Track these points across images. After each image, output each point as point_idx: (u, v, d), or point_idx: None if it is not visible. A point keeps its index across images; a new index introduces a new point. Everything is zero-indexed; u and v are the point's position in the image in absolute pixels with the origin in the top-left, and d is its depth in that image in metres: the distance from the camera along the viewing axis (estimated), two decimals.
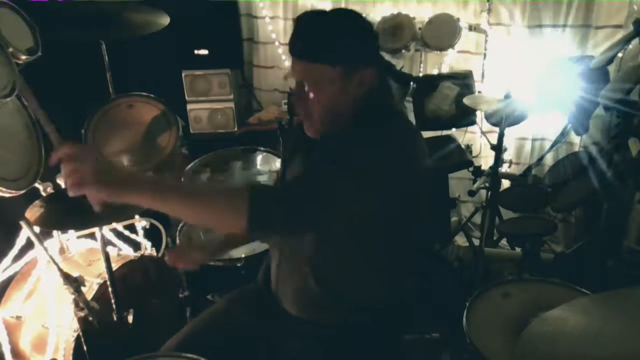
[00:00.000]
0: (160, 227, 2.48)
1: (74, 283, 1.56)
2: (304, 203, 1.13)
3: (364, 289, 1.39)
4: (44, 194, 1.89)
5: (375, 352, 1.42)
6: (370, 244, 1.34)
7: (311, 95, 1.28)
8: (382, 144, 1.22)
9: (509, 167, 3.28)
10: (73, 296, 1.58)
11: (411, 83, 3.17)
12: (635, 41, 2.09)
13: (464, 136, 3.28)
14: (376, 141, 1.22)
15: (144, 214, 2.33)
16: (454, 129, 3.23)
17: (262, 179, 2.55)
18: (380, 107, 1.34)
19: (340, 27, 1.28)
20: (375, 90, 1.33)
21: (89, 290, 1.89)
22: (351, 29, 1.29)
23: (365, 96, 1.31)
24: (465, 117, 3.05)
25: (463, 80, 3.06)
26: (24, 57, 1.77)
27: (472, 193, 2.78)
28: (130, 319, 1.91)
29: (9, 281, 1.98)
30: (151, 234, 2.44)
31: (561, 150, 3.03)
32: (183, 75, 3.27)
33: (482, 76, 3.27)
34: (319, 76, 1.26)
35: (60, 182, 2.08)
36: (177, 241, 2.23)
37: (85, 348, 1.70)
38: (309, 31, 1.27)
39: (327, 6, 3.47)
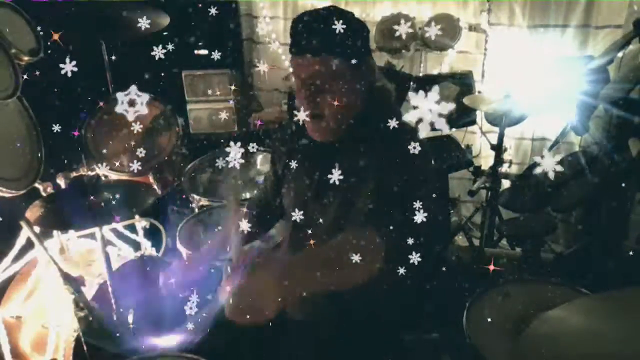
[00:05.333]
0: (161, 227, 2.48)
1: (74, 283, 1.56)
2: None
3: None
4: (44, 194, 1.89)
5: (375, 352, 1.42)
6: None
7: (324, 91, 1.28)
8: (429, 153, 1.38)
9: (509, 167, 3.27)
10: (73, 296, 1.58)
11: (411, 83, 3.17)
12: (635, 41, 2.09)
13: (464, 136, 3.28)
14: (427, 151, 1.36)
15: (144, 214, 2.33)
16: (454, 129, 3.23)
17: (262, 179, 2.54)
18: (382, 106, 1.37)
19: (344, 21, 1.28)
20: (375, 87, 1.36)
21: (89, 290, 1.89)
22: (351, 22, 1.30)
23: (367, 94, 1.34)
24: (465, 117, 3.05)
25: (463, 80, 3.06)
26: (26, 58, 1.76)
27: (472, 193, 2.78)
28: (130, 318, 1.91)
29: (9, 281, 1.98)
30: (151, 234, 2.44)
31: (561, 150, 3.03)
32: (183, 75, 3.27)
33: (482, 76, 3.27)
34: (334, 70, 1.26)
35: (60, 182, 2.08)
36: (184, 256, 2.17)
37: (85, 348, 1.69)
38: (320, 27, 1.26)
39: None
